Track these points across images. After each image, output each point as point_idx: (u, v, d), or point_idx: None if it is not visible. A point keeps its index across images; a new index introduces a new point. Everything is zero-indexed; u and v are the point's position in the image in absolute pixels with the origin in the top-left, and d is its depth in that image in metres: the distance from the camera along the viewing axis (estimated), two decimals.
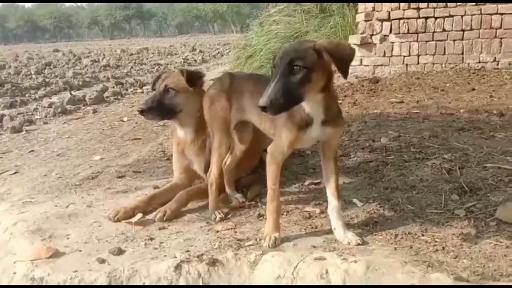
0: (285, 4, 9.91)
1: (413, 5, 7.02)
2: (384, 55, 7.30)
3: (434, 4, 6.89)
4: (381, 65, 7.35)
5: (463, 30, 6.83)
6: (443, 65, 7.03)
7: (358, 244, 1.95)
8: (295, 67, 1.71)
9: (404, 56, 7.25)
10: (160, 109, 2.65)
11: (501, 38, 6.63)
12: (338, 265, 1.67)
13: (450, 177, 2.71)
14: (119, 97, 7.61)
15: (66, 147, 4.44)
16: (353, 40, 7.49)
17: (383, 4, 7.21)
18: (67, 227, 2.33)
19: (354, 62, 7.64)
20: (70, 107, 6.50)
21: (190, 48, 22.88)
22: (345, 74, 1.75)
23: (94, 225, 2.34)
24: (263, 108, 1.69)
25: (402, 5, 7.08)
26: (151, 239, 2.15)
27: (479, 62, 6.82)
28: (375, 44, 7.35)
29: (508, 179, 2.54)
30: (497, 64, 6.72)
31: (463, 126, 3.98)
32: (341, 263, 1.68)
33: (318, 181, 2.84)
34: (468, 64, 6.87)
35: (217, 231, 2.21)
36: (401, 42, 7.22)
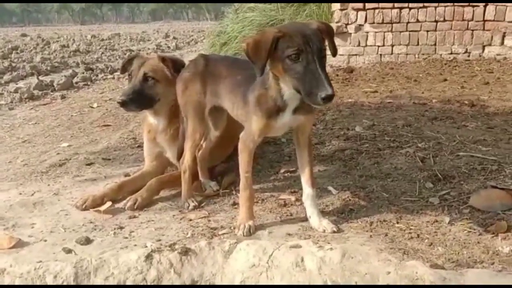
0: None
1: None
2: (359, 45, 7.32)
3: None
4: (356, 54, 7.36)
5: (436, 21, 6.91)
6: (416, 56, 7.11)
7: (334, 232, 1.93)
8: (322, 51, 1.68)
9: (379, 46, 7.29)
10: (140, 99, 2.51)
11: (472, 30, 6.74)
12: (314, 253, 1.64)
13: (424, 165, 2.72)
14: (88, 83, 7.36)
15: (33, 133, 4.25)
16: None
17: None
18: (31, 216, 2.22)
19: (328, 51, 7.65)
20: (37, 93, 6.23)
21: (164, 35, 22.38)
22: (336, 50, 1.79)
23: (61, 213, 2.24)
24: (330, 98, 1.62)
25: None
26: (121, 228, 2.07)
27: (451, 53, 6.92)
28: (350, 33, 7.36)
29: (480, 167, 2.57)
30: (468, 56, 6.84)
31: (435, 115, 4.03)
32: (317, 250, 1.65)
33: (294, 169, 2.81)
34: (441, 55, 6.96)
35: (190, 220, 2.15)
36: (376, 32, 7.25)
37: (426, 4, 6.88)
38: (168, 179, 2.50)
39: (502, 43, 6.65)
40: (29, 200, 2.40)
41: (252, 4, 9.51)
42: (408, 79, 5.96)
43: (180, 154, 2.41)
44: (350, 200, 2.30)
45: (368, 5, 7.17)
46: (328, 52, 1.77)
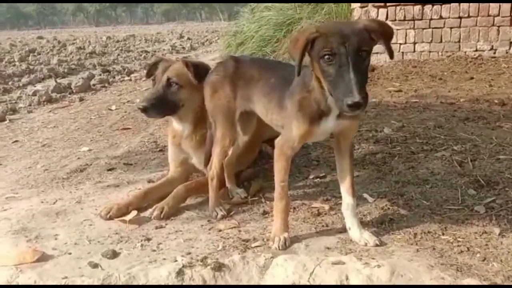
0: None
1: None
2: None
3: None
4: (377, 52, 7.15)
5: (460, 18, 6.68)
6: (440, 53, 6.90)
7: (376, 245, 1.79)
8: (361, 53, 1.54)
9: (401, 44, 7.09)
10: (163, 105, 2.39)
11: (498, 26, 6.51)
12: (359, 270, 1.51)
13: (462, 170, 2.57)
14: (106, 85, 7.32)
15: (52, 137, 4.19)
16: None
17: None
18: (55, 226, 2.13)
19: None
20: (55, 95, 6.20)
21: (178, 35, 22.39)
22: (392, 52, 1.63)
23: (85, 223, 2.15)
24: (357, 105, 1.48)
25: None
26: (148, 239, 1.96)
27: (476, 51, 6.69)
28: None
29: None
30: (494, 53, 6.61)
31: (466, 116, 3.86)
32: (363, 268, 1.52)
33: (323, 174, 2.69)
34: (465, 52, 6.74)
35: (220, 230, 2.03)
36: (397, 30, 7.03)
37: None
38: (195, 186, 2.39)
39: None
40: (52, 209, 2.31)
41: (269, 4, 9.37)
42: (433, 78, 5.78)
43: (207, 160, 2.29)
44: (388, 208, 2.16)
45: (389, 2, 6.98)
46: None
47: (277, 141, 1.87)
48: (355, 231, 1.85)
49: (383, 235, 1.91)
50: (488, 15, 6.52)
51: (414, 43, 7.03)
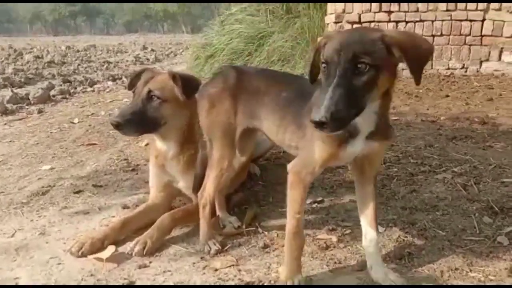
0: (248, 3, 9.51)
1: (384, 8, 6.84)
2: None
3: (405, 8, 6.75)
4: None
5: (433, 36, 6.73)
6: None
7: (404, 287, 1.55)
8: (359, 65, 1.28)
9: None
10: (140, 121, 2.06)
11: (470, 45, 6.59)
12: None
13: (468, 194, 2.41)
14: (67, 96, 6.82)
15: (8, 153, 3.74)
16: None
17: (354, 5, 6.98)
18: (14, 266, 1.77)
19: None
20: (11, 106, 5.67)
21: (141, 47, 21.82)
22: (418, 78, 1.34)
23: (52, 262, 1.79)
24: (320, 124, 1.24)
25: (373, 7, 6.89)
26: (131, 283, 1.64)
27: (448, 69, 6.75)
28: None
29: None
30: (466, 71, 6.68)
31: (453, 135, 3.76)
32: None
33: (321, 199, 2.45)
34: (438, 70, 6.79)
35: (216, 270, 1.74)
36: None
37: (423, 18, 6.71)
38: (182, 215, 2.08)
39: (500, 58, 6.51)
40: (10, 243, 1.94)
41: (239, 16, 9.20)
42: (409, 95, 5.73)
43: (198, 185, 1.99)
44: (403, 240, 1.94)
45: (363, 18, 6.96)
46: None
47: (292, 166, 1.60)
48: (378, 271, 1.61)
49: (406, 272, 1.68)
50: (460, 34, 6.60)
51: None
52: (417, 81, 1.35)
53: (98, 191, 2.71)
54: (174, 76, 2.11)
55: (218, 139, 1.82)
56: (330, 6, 7.25)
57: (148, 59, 14.96)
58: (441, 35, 6.70)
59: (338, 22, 7.09)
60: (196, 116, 2.10)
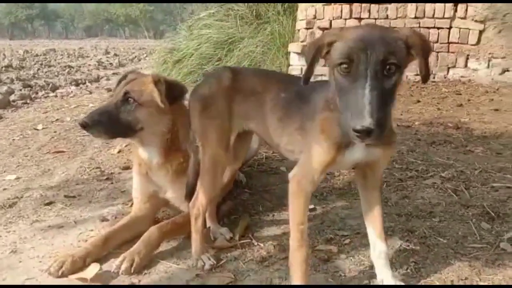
0: (217, 8, 9.40)
1: (354, 14, 6.90)
2: (325, 65, 7.07)
3: (375, 15, 6.84)
4: (322, 74, 7.10)
5: None
6: None
7: None
8: (389, 67, 1.19)
9: None
10: (111, 124, 1.91)
11: (437, 52, 6.73)
12: None
13: (460, 199, 2.37)
14: (28, 101, 6.44)
15: None
16: (294, 48, 7.20)
17: (324, 12, 7.01)
18: None
19: (295, 72, 7.35)
20: None
21: (103, 51, 21.24)
22: (427, 77, 1.28)
23: (28, 284, 1.59)
24: (366, 133, 1.13)
25: (344, 14, 6.93)
26: None
27: (417, 75, 6.84)
28: None
29: None
30: (434, 77, 6.81)
31: (432, 139, 3.78)
32: None
33: (312, 206, 2.34)
34: (407, 76, 6.87)
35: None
36: None
37: (392, 25, 6.78)
38: (171, 228, 1.91)
39: (466, 65, 6.69)
40: None
41: (208, 21, 9.06)
42: None
43: (190, 195, 1.83)
44: (405, 249, 1.86)
45: (334, 25, 6.97)
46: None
47: (292, 175, 1.49)
48: (390, 284, 1.51)
49: (415, 283, 1.59)
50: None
51: None
52: (426, 79, 1.31)
53: (71, 202, 2.50)
54: (157, 80, 1.96)
55: (212, 143, 1.68)
56: (301, 12, 7.24)
57: (111, 64, 14.52)
58: None
59: (309, 28, 7.09)
60: (182, 122, 1.97)
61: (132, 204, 2.45)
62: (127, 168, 3.16)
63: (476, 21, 6.47)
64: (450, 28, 6.62)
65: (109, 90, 7.64)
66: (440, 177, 2.71)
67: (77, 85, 8.37)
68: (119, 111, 1.93)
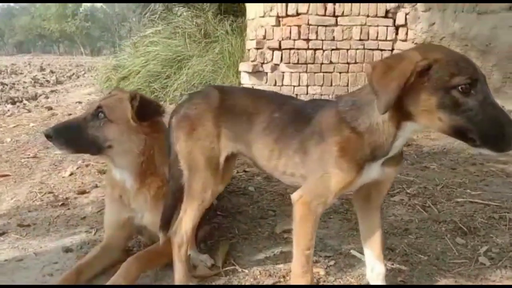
0: (163, 26, 9.28)
1: (303, 36, 7.05)
2: (275, 84, 7.15)
3: (323, 37, 7.04)
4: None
5: (348, 63, 7.08)
6: (330, 96, 7.15)
7: None
8: None
9: (294, 86, 7.21)
10: (76, 137, 1.81)
11: None
12: None
13: (430, 215, 2.44)
14: None
15: None
16: (244, 67, 7.22)
17: (274, 32, 7.11)
18: None
19: None
20: None
21: (38, 68, 20.17)
22: None
23: None
24: None
25: (293, 35, 7.07)
26: None
27: None
28: (266, 72, 7.18)
29: (497, 215, 2.36)
30: None
31: None
32: None
33: (290, 227, 2.28)
34: None
35: None
36: (292, 72, 7.18)
37: (339, 47, 7.04)
38: (149, 257, 1.76)
39: None
40: None
41: (155, 38, 8.90)
42: None
43: (165, 222, 1.71)
44: (390, 269, 1.85)
45: (283, 45, 7.10)
46: None
47: (298, 196, 1.43)
48: None
49: None
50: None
51: (307, 85, 7.21)
52: None
53: (27, 232, 2.28)
54: (134, 96, 1.85)
55: (200, 166, 1.58)
56: (251, 32, 7.30)
57: (48, 81, 13.79)
58: (356, 62, 7.08)
59: (260, 48, 7.14)
60: (160, 145, 1.86)
61: (96, 231, 2.30)
62: (83, 192, 2.96)
63: (416, 43, 6.86)
64: (392, 50, 6.96)
65: (49, 108, 7.23)
66: (406, 193, 2.78)
67: (13, 103, 7.83)
68: (87, 126, 1.83)
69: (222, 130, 1.59)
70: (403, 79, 1.19)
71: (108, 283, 1.59)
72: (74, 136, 1.81)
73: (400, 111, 1.27)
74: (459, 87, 1.18)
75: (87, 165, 3.61)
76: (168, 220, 1.72)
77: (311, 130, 1.44)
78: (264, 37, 7.27)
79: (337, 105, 1.42)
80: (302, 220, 1.42)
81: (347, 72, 7.23)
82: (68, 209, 2.66)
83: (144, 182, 1.85)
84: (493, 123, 1.17)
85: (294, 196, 1.44)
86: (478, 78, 1.19)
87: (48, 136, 1.81)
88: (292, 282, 1.45)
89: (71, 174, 3.42)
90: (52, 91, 10.73)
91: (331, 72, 7.25)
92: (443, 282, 1.74)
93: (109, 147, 1.84)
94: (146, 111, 1.85)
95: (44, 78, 14.94)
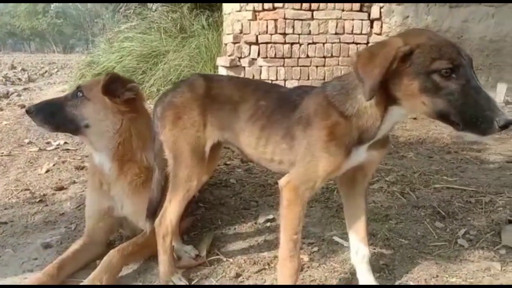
0: (138, 21, 9.15)
1: (279, 30, 7.07)
2: (253, 78, 7.16)
3: (299, 31, 7.06)
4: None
5: (324, 57, 7.13)
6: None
7: None
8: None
9: (272, 80, 7.21)
10: (56, 114, 1.88)
11: None
12: None
13: (409, 201, 2.48)
14: None
15: None
16: (222, 62, 7.19)
17: (251, 27, 7.10)
18: None
19: None
20: None
21: (9, 66, 19.59)
22: None
23: None
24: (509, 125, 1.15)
25: (269, 29, 7.07)
26: None
27: None
28: (244, 67, 7.16)
29: (473, 199, 2.43)
30: None
31: None
32: None
33: (272, 217, 2.30)
34: None
35: None
36: (269, 66, 7.19)
37: (315, 41, 7.08)
38: (133, 250, 1.73)
39: None
40: None
41: (130, 34, 8.76)
42: None
43: (151, 212, 1.70)
44: (373, 253, 1.88)
45: (260, 39, 7.10)
46: None
47: (286, 182, 1.43)
48: None
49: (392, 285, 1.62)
50: (348, 56, 7.09)
51: (285, 79, 7.22)
52: None
53: (4, 229, 2.22)
54: (105, 75, 1.86)
55: (185, 155, 1.57)
56: (227, 27, 7.27)
57: (20, 79, 13.43)
58: (332, 56, 7.14)
59: (237, 43, 7.12)
60: (137, 130, 1.86)
61: (76, 227, 2.26)
62: (61, 188, 2.90)
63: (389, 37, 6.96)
64: (367, 43, 7.03)
65: (22, 106, 7.04)
66: (385, 181, 2.83)
67: None
68: (66, 104, 1.89)
69: (208, 118, 1.58)
70: (385, 65, 1.20)
71: (90, 277, 1.57)
72: (53, 114, 1.88)
73: (386, 96, 1.29)
74: (440, 71, 1.20)
75: (63, 162, 3.53)
76: (154, 211, 1.71)
77: (298, 116, 1.44)
78: (241, 32, 7.25)
79: (325, 90, 1.43)
80: (290, 205, 1.42)
81: (324, 66, 7.27)
82: (46, 205, 2.60)
83: (122, 169, 1.83)
84: (474, 107, 1.18)
85: (282, 182, 1.44)
86: (460, 63, 1.20)
87: (28, 112, 1.89)
88: (279, 266, 1.46)
89: (48, 171, 3.34)
90: (24, 89, 10.46)
91: (308, 66, 7.28)
92: (424, 264, 1.78)
93: (86, 127, 1.87)
94: (114, 85, 1.86)
95: (15, 76, 14.53)
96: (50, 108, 1.89)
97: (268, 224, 2.24)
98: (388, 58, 1.20)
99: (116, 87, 1.84)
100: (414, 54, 1.21)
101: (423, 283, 1.63)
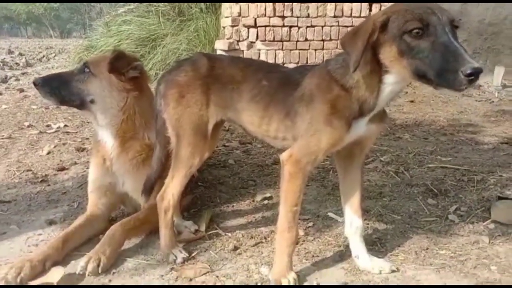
0: (136, 4, 9.09)
1: (278, 13, 7.05)
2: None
3: (298, 14, 7.05)
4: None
5: (323, 40, 7.13)
6: None
7: (393, 271, 1.55)
8: (455, 23, 1.28)
9: None
10: (62, 88, 1.93)
11: None
12: None
13: (403, 180, 2.54)
14: None
15: None
16: (220, 45, 7.18)
17: (249, 10, 7.08)
18: None
19: None
20: None
21: (6, 51, 19.49)
22: None
23: None
24: (479, 73, 1.17)
25: (268, 12, 7.06)
26: None
27: None
28: (242, 50, 7.16)
29: (466, 178, 2.49)
30: None
31: None
32: None
33: (269, 195, 2.36)
34: None
35: (191, 279, 1.54)
36: (268, 50, 7.18)
37: (314, 24, 7.08)
38: (134, 224, 1.80)
39: None
40: None
41: (128, 17, 8.72)
42: None
43: (148, 188, 1.76)
44: (367, 227, 1.95)
45: (259, 22, 7.08)
46: None
47: (288, 155, 1.48)
48: (365, 259, 1.58)
49: (383, 257, 1.68)
50: None
51: (283, 63, 7.23)
52: None
53: (8, 207, 2.28)
54: (113, 51, 1.91)
55: (188, 133, 1.61)
56: (226, 10, 7.25)
57: (17, 64, 13.38)
58: (330, 39, 7.14)
59: (235, 26, 7.11)
60: (141, 108, 1.91)
61: (78, 205, 2.32)
62: (63, 169, 2.96)
63: None
64: None
65: (21, 90, 7.06)
66: (380, 161, 2.89)
67: None
68: (73, 78, 1.94)
69: (211, 97, 1.62)
70: (365, 37, 1.28)
71: (94, 250, 1.63)
72: (59, 87, 1.93)
73: (380, 67, 1.35)
74: (411, 32, 1.25)
75: (64, 144, 3.58)
76: (151, 186, 1.78)
77: (301, 93, 1.49)
78: (240, 15, 7.22)
79: (327, 65, 1.47)
80: (291, 177, 1.47)
81: (322, 49, 7.27)
82: (48, 185, 2.66)
83: (124, 146, 1.89)
84: (440, 60, 1.22)
85: (284, 156, 1.49)
86: (429, 21, 1.25)
87: (35, 84, 1.95)
88: (278, 236, 1.52)
89: (49, 152, 3.39)
90: (22, 74, 10.44)
91: (306, 50, 7.28)
92: (415, 238, 1.85)
93: (91, 102, 1.92)
94: (120, 63, 1.90)
95: (13, 61, 14.47)
96: (56, 81, 1.94)
97: (266, 202, 2.30)
98: (368, 30, 1.29)
99: (122, 65, 1.90)
100: (390, 20, 1.28)
101: (413, 255, 1.70)
